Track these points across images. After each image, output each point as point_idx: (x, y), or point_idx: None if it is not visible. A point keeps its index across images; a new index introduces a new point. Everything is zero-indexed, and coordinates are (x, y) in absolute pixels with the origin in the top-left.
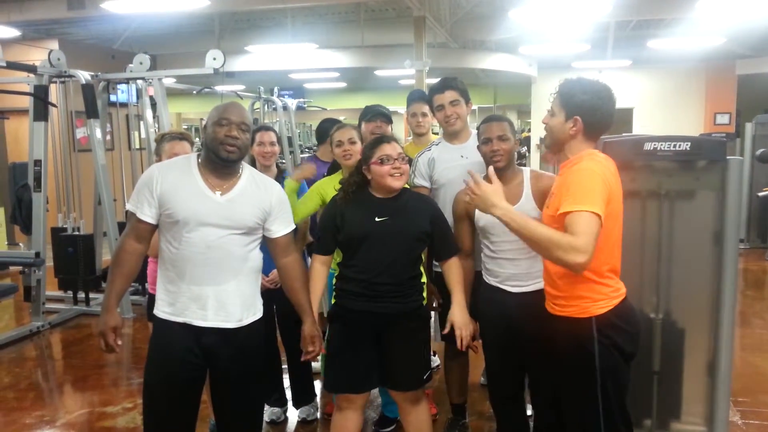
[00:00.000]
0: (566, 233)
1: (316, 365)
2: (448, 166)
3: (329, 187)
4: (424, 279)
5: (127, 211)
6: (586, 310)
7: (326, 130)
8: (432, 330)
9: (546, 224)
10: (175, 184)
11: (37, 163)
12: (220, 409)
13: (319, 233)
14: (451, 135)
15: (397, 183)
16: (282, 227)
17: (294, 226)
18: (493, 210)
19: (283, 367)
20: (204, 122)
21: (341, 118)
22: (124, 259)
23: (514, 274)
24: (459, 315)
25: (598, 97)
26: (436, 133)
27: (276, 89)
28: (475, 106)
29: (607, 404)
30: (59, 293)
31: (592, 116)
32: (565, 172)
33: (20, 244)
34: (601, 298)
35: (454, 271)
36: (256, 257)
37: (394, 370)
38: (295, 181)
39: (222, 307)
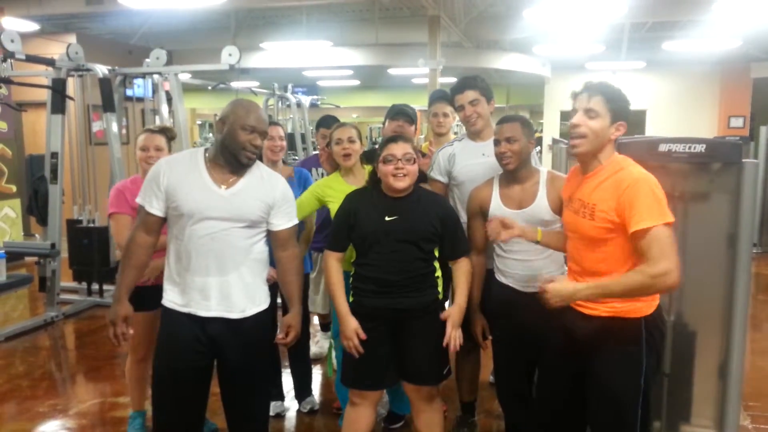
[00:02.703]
0: (641, 253)
1: (315, 350)
2: (469, 163)
3: (327, 187)
4: (438, 273)
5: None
6: (639, 311)
7: None
8: None
9: (594, 235)
10: (181, 178)
11: (54, 155)
12: (227, 399)
13: (333, 230)
14: (474, 133)
15: (399, 183)
16: (284, 221)
17: (297, 221)
18: (576, 297)
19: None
20: (219, 116)
21: (354, 116)
22: (134, 251)
23: (524, 275)
24: (456, 316)
25: (630, 104)
26: (455, 133)
27: (290, 86)
28: None
29: (644, 404)
30: (74, 284)
31: (628, 121)
32: (609, 180)
33: (36, 235)
34: (651, 299)
35: (461, 272)
36: (261, 250)
37: (411, 363)
38: None
39: (225, 297)
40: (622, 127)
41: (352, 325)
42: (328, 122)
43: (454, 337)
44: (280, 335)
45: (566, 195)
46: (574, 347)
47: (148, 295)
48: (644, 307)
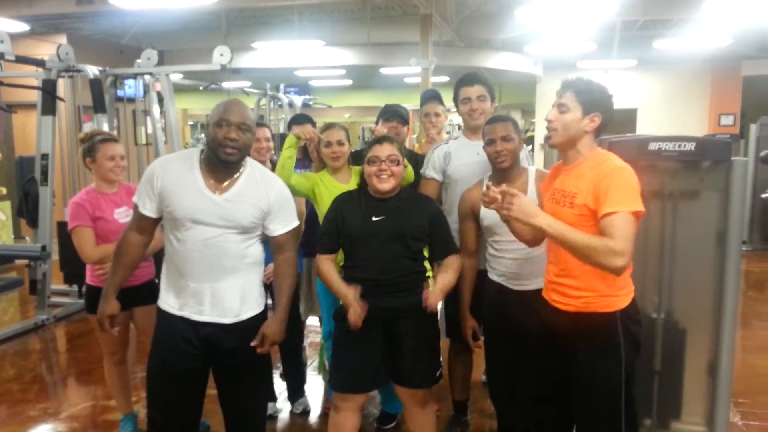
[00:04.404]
0: (604, 236)
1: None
2: (463, 162)
3: (320, 180)
4: (429, 274)
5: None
6: (613, 304)
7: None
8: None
9: (572, 222)
10: (175, 181)
11: (45, 156)
12: (224, 401)
13: (323, 233)
14: (472, 130)
15: (382, 185)
16: (280, 227)
17: (295, 225)
18: (535, 219)
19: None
20: (207, 119)
21: (346, 115)
22: (125, 251)
23: (517, 273)
24: (437, 292)
25: (611, 97)
26: (448, 133)
27: (282, 86)
28: None
29: (628, 398)
30: (64, 287)
31: (607, 114)
32: (592, 170)
33: (26, 237)
34: (624, 293)
35: (450, 266)
36: (256, 252)
37: (403, 366)
38: (295, 137)
39: (219, 303)
40: (597, 118)
41: (350, 294)
42: (299, 120)
43: (432, 294)
44: (256, 342)
45: (546, 189)
46: (556, 344)
47: (119, 298)
48: (618, 301)
